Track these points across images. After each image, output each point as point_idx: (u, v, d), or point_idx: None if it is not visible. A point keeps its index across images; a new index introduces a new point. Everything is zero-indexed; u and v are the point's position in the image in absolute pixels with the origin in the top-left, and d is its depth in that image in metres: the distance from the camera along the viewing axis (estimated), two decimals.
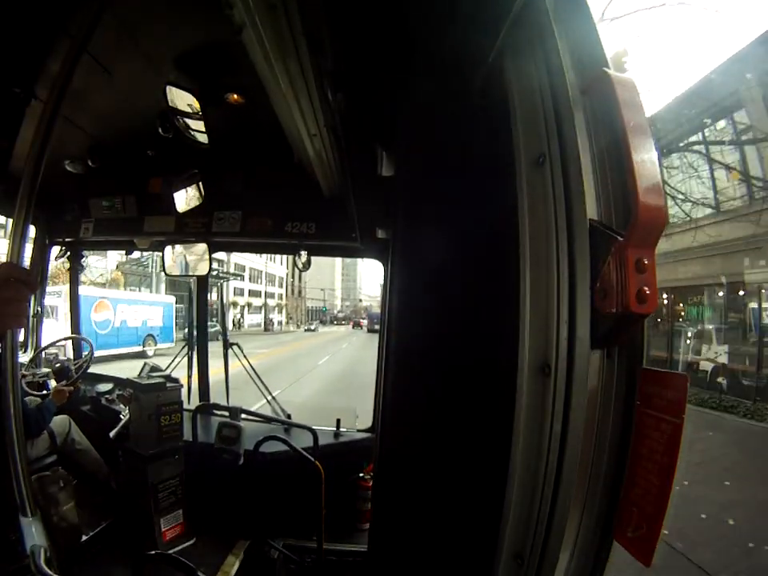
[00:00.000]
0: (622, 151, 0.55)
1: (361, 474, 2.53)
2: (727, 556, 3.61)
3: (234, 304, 37.69)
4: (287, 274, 57.93)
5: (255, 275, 45.51)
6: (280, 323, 49.79)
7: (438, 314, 0.87)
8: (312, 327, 46.95)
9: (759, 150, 9.67)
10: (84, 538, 2.16)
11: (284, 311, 56.66)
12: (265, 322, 42.50)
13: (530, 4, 0.64)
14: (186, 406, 2.61)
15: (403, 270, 0.95)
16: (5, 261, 1.02)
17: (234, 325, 38.35)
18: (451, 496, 0.82)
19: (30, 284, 0.90)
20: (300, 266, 2.86)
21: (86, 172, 2.57)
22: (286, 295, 61.18)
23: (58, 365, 2.91)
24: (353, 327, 58.29)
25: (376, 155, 1.24)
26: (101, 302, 14.34)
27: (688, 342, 12.26)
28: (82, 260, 3.43)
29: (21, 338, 3.10)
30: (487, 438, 0.78)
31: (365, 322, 51.45)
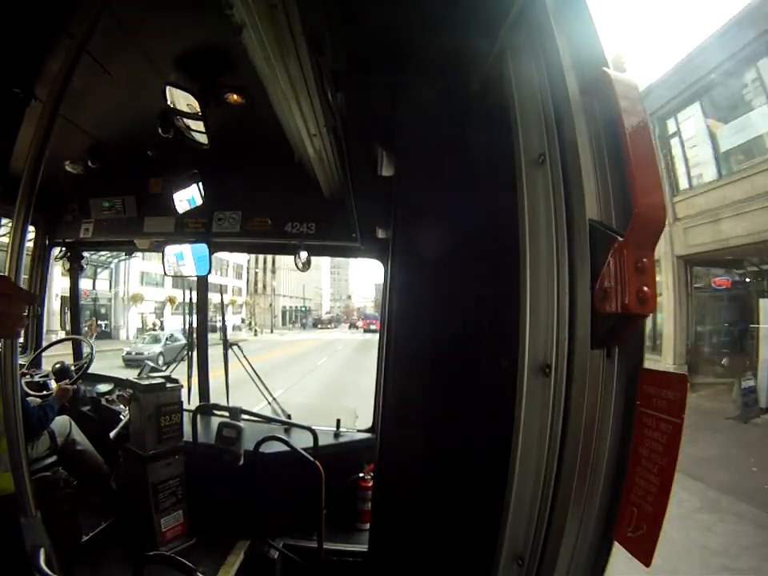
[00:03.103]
0: (621, 151, 0.55)
1: (361, 474, 2.53)
2: None
3: (136, 298, 24.78)
4: (249, 261, 44.90)
5: None
6: (237, 328, 33.65)
7: (438, 313, 0.87)
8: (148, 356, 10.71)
9: None
10: (84, 538, 2.16)
11: (243, 311, 42.71)
12: (187, 329, 22.62)
13: (530, 4, 0.64)
14: (186, 406, 2.61)
15: (403, 270, 0.95)
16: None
17: (141, 331, 25.43)
18: (451, 496, 0.82)
19: (22, 299, 0.91)
20: (300, 266, 2.85)
21: (86, 172, 2.57)
22: (248, 290, 47.31)
23: (57, 365, 2.91)
24: (349, 328, 52.94)
25: (376, 155, 1.24)
26: None
27: None
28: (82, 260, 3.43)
29: (20, 339, 3.10)
30: (487, 438, 0.78)
31: (360, 323, 48.86)
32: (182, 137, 1.95)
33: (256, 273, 52.05)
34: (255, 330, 36.63)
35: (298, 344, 27.12)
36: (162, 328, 26.90)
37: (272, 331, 41.99)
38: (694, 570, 3.59)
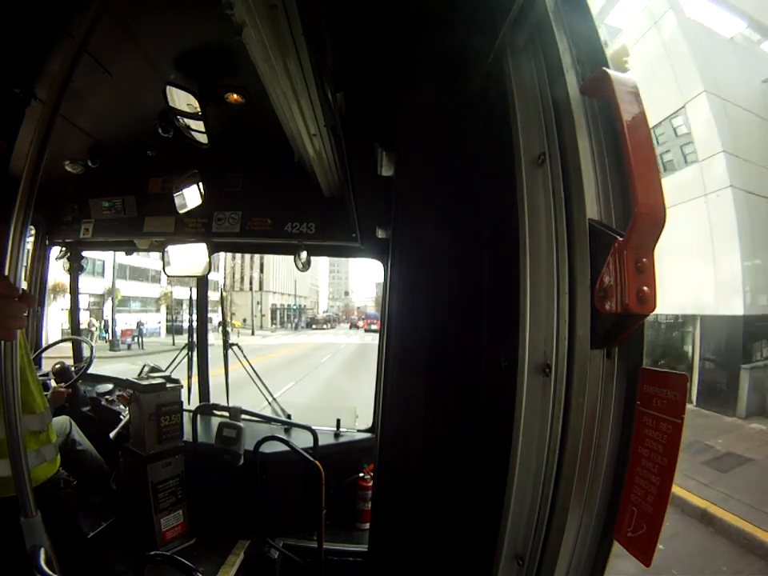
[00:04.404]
0: (621, 151, 0.55)
1: (361, 474, 2.53)
2: None
3: (57, 289, 17.32)
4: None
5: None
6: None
7: (438, 313, 0.87)
8: None
9: None
10: (84, 538, 2.16)
11: (221, 310, 28.88)
12: (113, 334, 20.93)
13: (530, 4, 0.64)
14: (186, 406, 2.61)
15: (403, 270, 0.95)
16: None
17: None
18: (451, 496, 0.82)
19: (21, 299, 0.91)
20: (300, 266, 2.85)
21: (85, 172, 2.57)
22: (225, 285, 41.99)
23: (57, 366, 2.91)
24: (350, 328, 51.22)
25: (376, 155, 1.24)
26: None
27: None
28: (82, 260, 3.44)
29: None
30: (487, 438, 0.78)
31: (360, 323, 48.11)
32: (182, 137, 1.95)
33: (242, 265, 46.53)
34: (219, 332, 28.19)
35: (273, 352, 20.11)
36: (106, 329, 22.02)
37: (253, 333, 35.76)
38: None
